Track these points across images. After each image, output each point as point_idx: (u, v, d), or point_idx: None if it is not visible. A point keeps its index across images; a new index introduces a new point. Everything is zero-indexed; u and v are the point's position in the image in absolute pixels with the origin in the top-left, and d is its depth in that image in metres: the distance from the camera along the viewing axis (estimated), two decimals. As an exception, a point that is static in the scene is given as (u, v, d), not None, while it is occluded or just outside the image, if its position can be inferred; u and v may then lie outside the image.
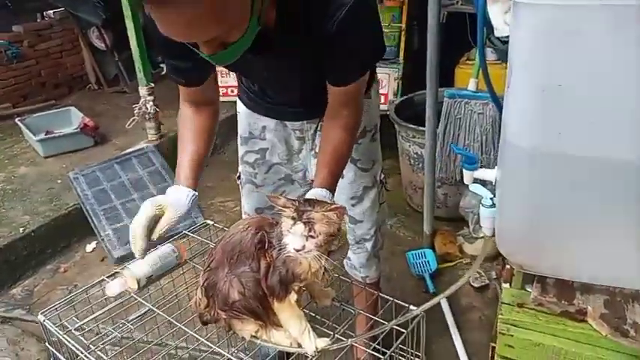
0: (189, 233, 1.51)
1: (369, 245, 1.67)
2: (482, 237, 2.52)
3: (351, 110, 1.26)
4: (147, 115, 3.39)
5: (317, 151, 1.52)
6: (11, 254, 2.60)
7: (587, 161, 0.74)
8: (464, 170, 1.13)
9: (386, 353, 1.13)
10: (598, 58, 0.69)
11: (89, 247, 2.82)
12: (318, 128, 1.50)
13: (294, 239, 0.97)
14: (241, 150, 1.62)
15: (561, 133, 0.73)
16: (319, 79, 1.22)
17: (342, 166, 1.29)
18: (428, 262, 2.51)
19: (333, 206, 0.99)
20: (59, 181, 3.13)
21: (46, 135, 3.61)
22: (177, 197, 1.20)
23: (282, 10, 1.07)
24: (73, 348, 1.16)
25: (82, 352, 1.15)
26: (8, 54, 4.32)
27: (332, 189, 1.19)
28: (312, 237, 0.97)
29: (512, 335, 0.94)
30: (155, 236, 1.18)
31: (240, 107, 1.58)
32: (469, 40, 2.98)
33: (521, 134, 0.81)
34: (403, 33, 3.05)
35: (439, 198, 2.73)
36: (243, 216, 1.70)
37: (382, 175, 1.66)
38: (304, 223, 0.97)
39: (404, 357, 1.24)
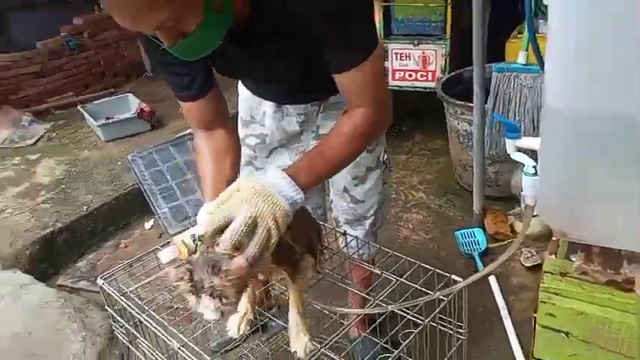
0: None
1: (367, 223, 1.66)
2: (535, 216, 2.47)
3: (365, 102, 1.10)
4: (199, 99, 3.49)
5: (318, 132, 1.51)
6: (76, 231, 2.77)
7: (623, 120, 0.71)
8: (506, 139, 1.12)
9: (422, 324, 1.13)
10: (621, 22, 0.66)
11: (147, 225, 2.96)
12: (321, 110, 1.47)
13: (208, 313, 0.88)
14: (242, 132, 1.59)
15: (595, 95, 0.71)
16: (316, 63, 1.09)
17: (331, 164, 1.11)
18: (477, 241, 2.48)
19: (232, 264, 0.86)
20: (119, 163, 3.29)
21: (106, 120, 3.79)
22: None
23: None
24: (129, 309, 1.25)
25: (138, 314, 1.23)
26: (70, 45, 4.55)
27: (300, 181, 0.99)
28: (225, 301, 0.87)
29: (554, 304, 0.93)
30: None
31: (242, 90, 1.55)
32: (522, 13, 2.87)
33: (559, 97, 0.79)
34: (449, 7, 2.98)
35: (490, 176, 2.69)
36: None
37: (385, 156, 1.61)
38: (210, 295, 0.86)
39: (445, 327, 1.26)
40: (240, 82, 1.56)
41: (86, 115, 3.79)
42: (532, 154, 1.18)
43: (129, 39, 5.05)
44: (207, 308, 0.87)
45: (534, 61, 1.94)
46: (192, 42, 0.93)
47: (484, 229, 2.55)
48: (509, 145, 1.10)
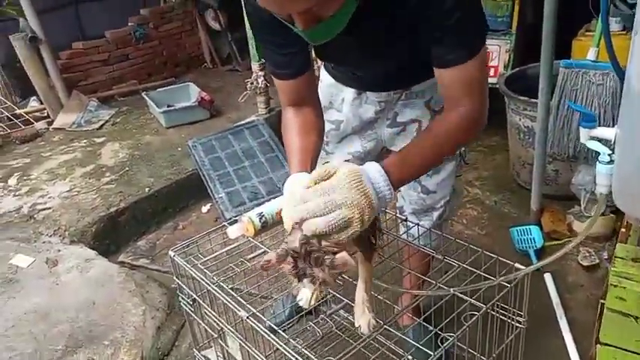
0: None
1: (435, 214, 1.64)
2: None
3: (471, 99, 1.10)
4: (258, 90, 3.58)
5: (395, 119, 1.51)
6: (138, 211, 2.90)
7: None
8: (581, 128, 1.10)
9: (484, 308, 1.13)
10: None
11: (204, 209, 3.06)
12: (402, 97, 1.47)
13: (307, 294, 0.92)
14: None
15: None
16: (413, 53, 1.12)
17: (424, 165, 1.14)
18: (533, 238, 2.43)
19: (338, 260, 0.89)
20: (179, 149, 3.42)
21: (168, 107, 3.93)
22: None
23: None
24: (199, 278, 1.31)
25: (207, 283, 1.29)
26: (136, 35, 4.75)
27: (395, 175, 1.00)
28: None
29: (624, 288, 0.92)
30: None
31: (324, 76, 1.56)
32: (590, 10, 2.79)
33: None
34: (517, 2, 2.94)
35: (549, 174, 2.63)
36: None
37: (462, 148, 1.58)
38: (311, 282, 0.91)
39: (505, 316, 1.25)
40: (322, 68, 1.58)
41: (149, 102, 3.95)
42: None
43: (190, 30, 5.23)
44: (308, 290, 0.91)
45: (605, 59, 1.89)
46: (324, 27, 0.95)
47: (540, 227, 2.50)
48: (584, 133, 1.08)
